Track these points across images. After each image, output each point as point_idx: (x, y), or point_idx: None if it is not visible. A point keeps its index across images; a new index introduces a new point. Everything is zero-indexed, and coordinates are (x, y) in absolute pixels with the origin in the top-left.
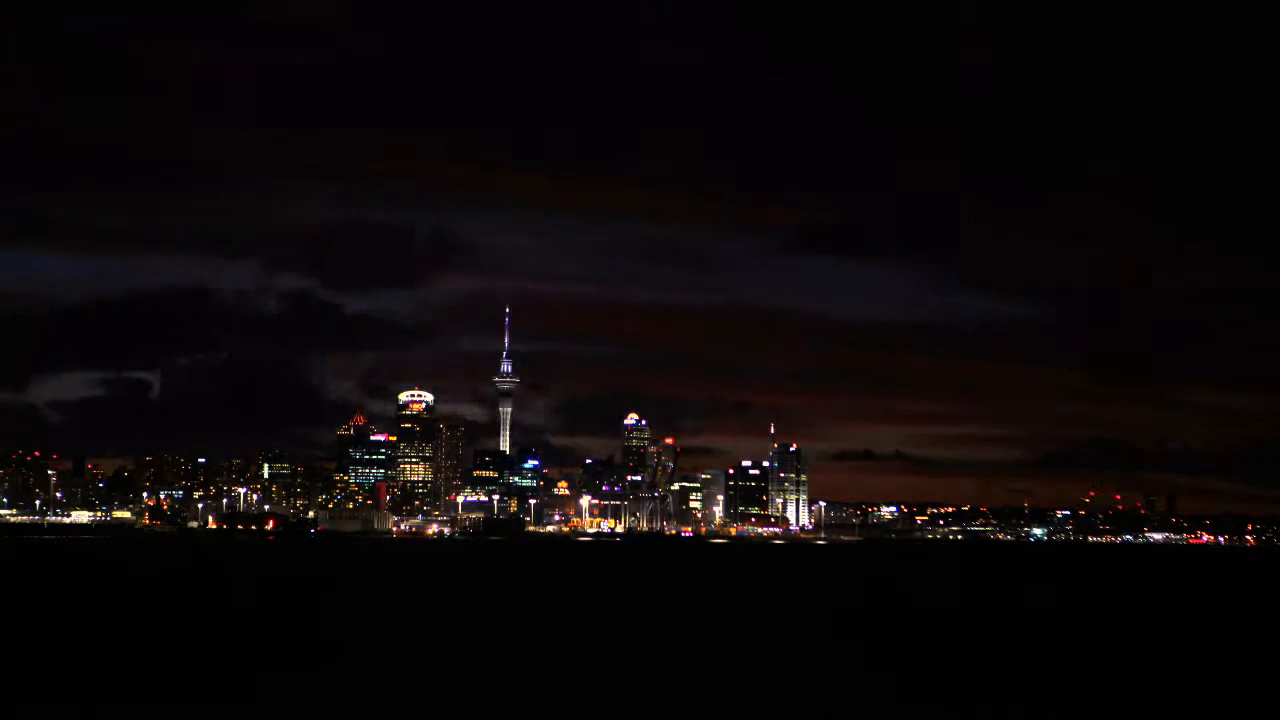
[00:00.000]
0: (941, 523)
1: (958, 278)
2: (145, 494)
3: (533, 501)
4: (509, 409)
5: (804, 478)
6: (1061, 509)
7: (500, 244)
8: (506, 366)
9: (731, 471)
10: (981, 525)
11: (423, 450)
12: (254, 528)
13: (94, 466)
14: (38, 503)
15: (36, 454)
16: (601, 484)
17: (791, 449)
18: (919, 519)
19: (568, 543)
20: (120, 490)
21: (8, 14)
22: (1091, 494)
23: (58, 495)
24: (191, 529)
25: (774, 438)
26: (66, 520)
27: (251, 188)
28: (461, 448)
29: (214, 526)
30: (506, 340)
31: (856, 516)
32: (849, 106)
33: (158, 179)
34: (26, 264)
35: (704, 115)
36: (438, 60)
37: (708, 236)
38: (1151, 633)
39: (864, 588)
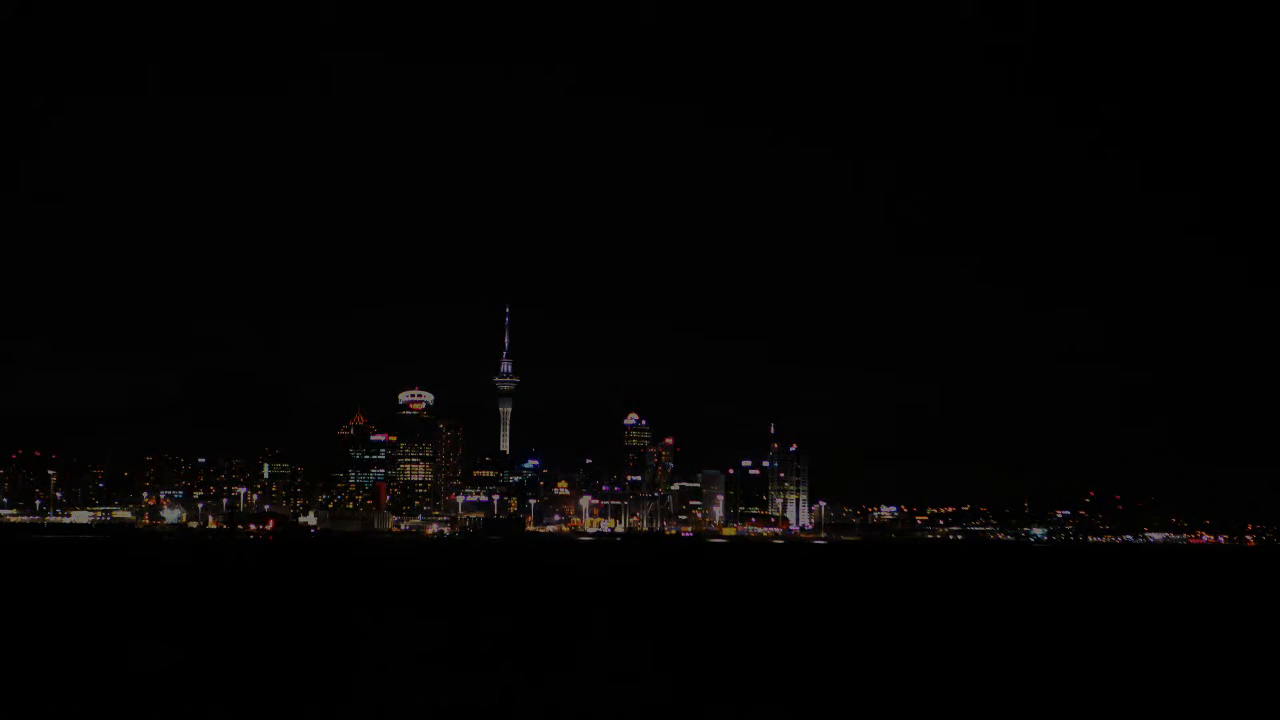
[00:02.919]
0: (941, 523)
1: None
2: (145, 494)
3: (533, 501)
4: (509, 409)
5: (804, 477)
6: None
7: None
8: (506, 366)
9: (731, 472)
10: (981, 525)
11: (423, 450)
12: (254, 527)
13: (94, 466)
14: (38, 503)
15: (36, 454)
16: (601, 484)
17: (792, 449)
18: (919, 519)
19: (567, 543)
20: (120, 490)
21: None
22: (1092, 494)
23: (58, 495)
24: (191, 528)
25: (774, 437)
26: (66, 520)
27: None
28: (462, 448)
29: (214, 526)
30: (506, 340)
31: (856, 516)
32: None
33: None
34: None
35: None
36: None
37: None
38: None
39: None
